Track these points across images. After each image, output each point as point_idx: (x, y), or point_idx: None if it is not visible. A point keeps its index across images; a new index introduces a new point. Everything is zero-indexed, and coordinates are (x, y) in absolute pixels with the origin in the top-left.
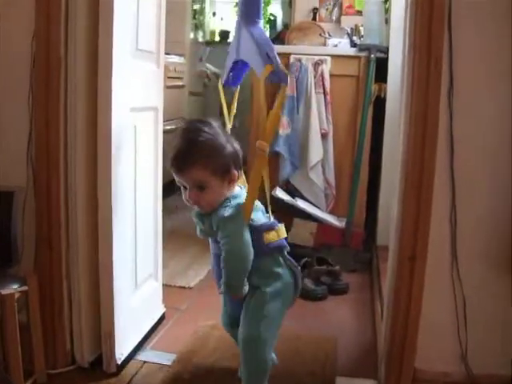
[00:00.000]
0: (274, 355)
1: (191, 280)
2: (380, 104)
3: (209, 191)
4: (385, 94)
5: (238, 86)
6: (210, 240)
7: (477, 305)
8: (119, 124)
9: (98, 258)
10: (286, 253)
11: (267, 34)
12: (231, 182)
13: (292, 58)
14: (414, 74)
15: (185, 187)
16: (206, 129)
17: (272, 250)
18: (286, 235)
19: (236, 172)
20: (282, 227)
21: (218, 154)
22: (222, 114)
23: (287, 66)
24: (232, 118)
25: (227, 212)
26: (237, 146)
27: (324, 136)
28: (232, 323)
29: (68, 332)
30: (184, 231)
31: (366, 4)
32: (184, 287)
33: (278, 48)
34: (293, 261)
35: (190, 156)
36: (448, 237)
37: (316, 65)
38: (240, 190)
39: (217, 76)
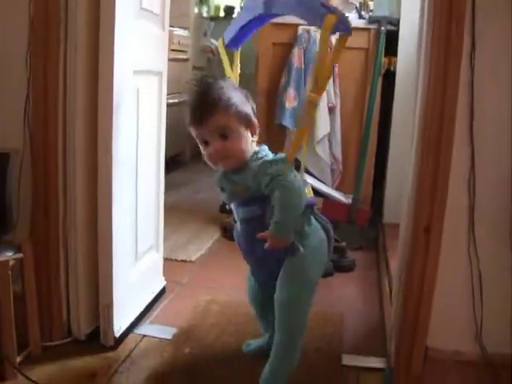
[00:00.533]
0: None
1: (192, 254)
2: (389, 78)
3: (234, 138)
4: (395, 68)
5: (239, 48)
6: (236, 207)
7: (493, 281)
8: (121, 87)
9: (97, 225)
10: (315, 210)
11: None
12: (254, 131)
13: (300, 29)
14: (434, 34)
15: (206, 143)
16: (222, 80)
17: (306, 207)
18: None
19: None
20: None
21: (238, 100)
22: None
23: (295, 37)
24: (237, 79)
25: (273, 156)
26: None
27: (331, 110)
28: (262, 296)
29: (64, 303)
30: (185, 206)
31: None
32: (185, 261)
33: (285, 19)
34: (323, 217)
35: (211, 102)
36: (465, 208)
37: None
38: (264, 148)
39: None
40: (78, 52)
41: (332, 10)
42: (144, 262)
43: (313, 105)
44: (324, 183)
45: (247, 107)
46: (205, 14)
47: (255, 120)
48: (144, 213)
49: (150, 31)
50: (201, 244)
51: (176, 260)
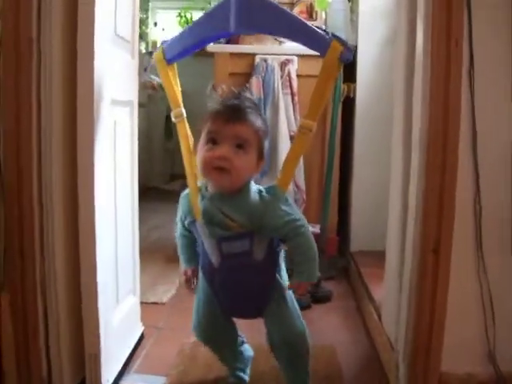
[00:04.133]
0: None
1: (162, 295)
2: (348, 104)
3: (244, 155)
4: (354, 94)
5: (175, 64)
6: (213, 241)
7: (504, 299)
8: (100, 119)
9: (80, 269)
10: None
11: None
12: (260, 163)
13: (258, 59)
14: (433, 54)
15: (214, 143)
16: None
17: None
18: None
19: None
20: None
21: (263, 123)
22: (168, 125)
23: (252, 67)
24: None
25: (270, 192)
26: None
27: (293, 138)
28: (219, 330)
29: (44, 355)
30: (143, 246)
31: (330, 3)
32: (156, 303)
33: (242, 48)
34: None
35: (246, 109)
36: (472, 227)
37: (283, 65)
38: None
39: (162, 87)
40: (54, 82)
41: (337, 38)
42: (124, 307)
43: (309, 131)
44: None
45: (266, 140)
46: (143, 50)
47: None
48: (123, 254)
49: (123, 59)
50: (168, 284)
51: (146, 303)
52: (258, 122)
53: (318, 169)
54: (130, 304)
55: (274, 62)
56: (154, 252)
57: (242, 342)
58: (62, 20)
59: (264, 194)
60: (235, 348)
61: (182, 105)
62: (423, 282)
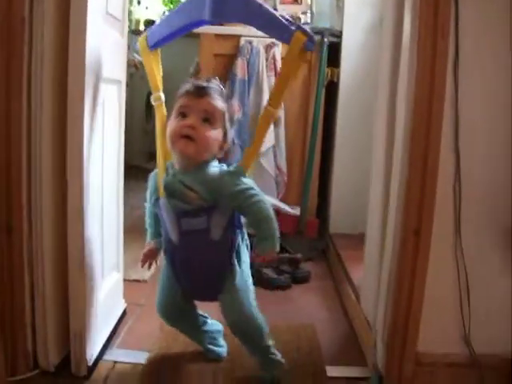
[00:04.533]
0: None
1: (144, 273)
2: (331, 89)
3: (210, 128)
4: (338, 79)
5: (158, 50)
6: (173, 217)
7: (480, 282)
8: (90, 96)
9: (68, 245)
10: None
11: None
12: (223, 146)
13: (243, 40)
14: (419, 46)
15: (183, 116)
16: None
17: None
18: None
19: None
20: None
21: (230, 109)
22: (148, 104)
23: (237, 48)
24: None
25: (231, 168)
26: None
27: (276, 122)
28: (180, 310)
29: (30, 330)
30: (125, 225)
31: None
32: (138, 280)
33: (228, 29)
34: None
35: (213, 89)
36: (451, 210)
37: (268, 47)
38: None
39: (143, 66)
40: (45, 59)
41: (301, 29)
42: (108, 284)
43: (272, 117)
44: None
45: (232, 130)
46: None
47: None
48: (108, 229)
49: (114, 37)
50: None
51: (128, 280)
52: (225, 106)
53: (299, 152)
54: (114, 280)
55: (259, 45)
56: (135, 230)
57: (204, 322)
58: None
59: (223, 168)
60: (198, 328)
61: (161, 89)
62: (403, 264)
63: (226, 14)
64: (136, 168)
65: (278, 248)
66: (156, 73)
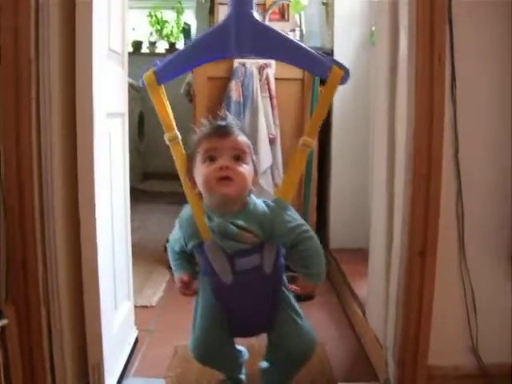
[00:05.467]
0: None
1: (151, 298)
2: None
3: (244, 166)
4: None
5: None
6: (225, 258)
7: (486, 296)
8: (98, 132)
9: (82, 280)
10: None
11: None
12: (254, 180)
13: (236, 63)
14: (417, 70)
15: (211, 160)
16: None
17: None
18: None
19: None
20: None
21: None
22: (141, 125)
23: (231, 71)
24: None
25: (275, 203)
26: None
27: (272, 141)
28: (221, 355)
29: (48, 364)
30: None
31: (306, 7)
32: (146, 306)
33: None
34: None
35: (234, 124)
36: (455, 230)
37: (261, 68)
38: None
39: (134, 88)
40: (53, 98)
41: (337, 63)
42: (121, 313)
43: (309, 148)
44: None
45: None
46: None
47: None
48: (119, 260)
49: (116, 72)
50: (155, 287)
51: (136, 306)
52: (247, 138)
53: None
54: (126, 309)
55: (253, 66)
56: (137, 254)
57: (241, 353)
58: (59, 39)
59: (269, 203)
60: (236, 361)
61: (175, 127)
62: (411, 283)
63: (256, 49)
64: (131, 189)
65: (323, 280)
66: (168, 110)
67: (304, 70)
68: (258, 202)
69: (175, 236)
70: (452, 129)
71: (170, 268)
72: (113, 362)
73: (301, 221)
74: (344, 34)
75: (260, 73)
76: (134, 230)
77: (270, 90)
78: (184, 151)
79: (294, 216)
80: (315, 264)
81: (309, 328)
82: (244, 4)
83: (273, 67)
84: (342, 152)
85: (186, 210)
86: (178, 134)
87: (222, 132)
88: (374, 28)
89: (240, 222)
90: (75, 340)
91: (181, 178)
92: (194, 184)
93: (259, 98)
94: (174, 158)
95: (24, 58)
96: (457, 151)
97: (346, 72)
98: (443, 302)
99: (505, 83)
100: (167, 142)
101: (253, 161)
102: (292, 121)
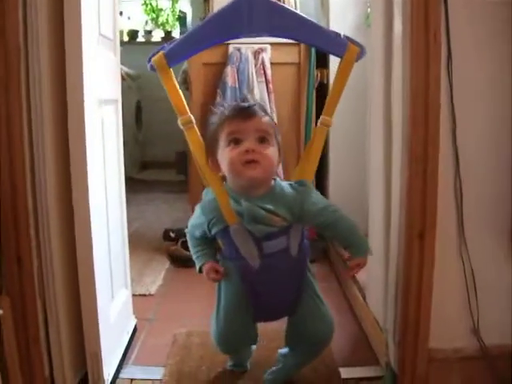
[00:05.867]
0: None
1: (150, 287)
2: (322, 90)
3: (271, 147)
4: (327, 80)
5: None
6: (253, 241)
7: (486, 277)
8: (90, 119)
9: (78, 269)
10: None
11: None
12: (280, 158)
13: (231, 48)
14: (412, 49)
15: (237, 142)
16: None
17: None
18: None
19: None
20: None
21: (273, 120)
22: (138, 114)
23: (226, 56)
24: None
25: (301, 185)
26: None
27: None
28: (245, 341)
29: (46, 356)
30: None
31: None
32: (145, 295)
33: None
34: None
35: (262, 108)
36: (454, 210)
37: (256, 53)
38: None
39: (131, 77)
40: (43, 85)
41: (352, 40)
42: (118, 302)
43: (327, 127)
44: None
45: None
46: None
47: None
48: (114, 249)
49: (107, 57)
50: (154, 275)
51: (134, 294)
52: (271, 118)
53: (295, 156)
54: (124, 297)
55: (248, 51)
56: (135, 243)
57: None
58: (48, 24)
59: (295, 185)
60: (250, 350)
61: (188, 111)
62: (410, 266)
63: (271, 28)
64: (128, 179)
65: (371, 254)
66: (180, 93)
67: (319, 48)
68: (285, 185)
69: (196, 222)
70: (449, 109)
71: (170, 256)
72: (111, 351)
73: (328, 202)
74: (339, 16)
75: (255, 57)
76: (133, 220)
77: (265, 74)
78: (199, 135)
79: (320, 197)
80: (359, 236)
81: (329, 313)
82: None
83: (268, 52)
84: (341, 135)
85: (209, 195)
86: (192, 117)
87: (246, 113)
88: (369, 10)
89: (268, 206)
90: (72, 330)
91: (197, 162)
92: (217, 167)
93: (255, 83)
94: (189, 142)
95: (13, 44)
96: (454, 130)
97: (362, 49)
98: (443, 283)
99: (502, 60)
100: (181, 127)
101: (277, 142)
102: (288, 105)
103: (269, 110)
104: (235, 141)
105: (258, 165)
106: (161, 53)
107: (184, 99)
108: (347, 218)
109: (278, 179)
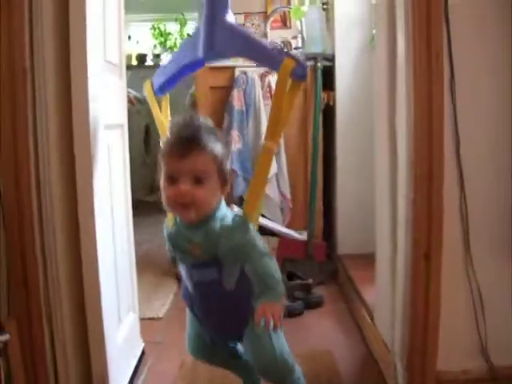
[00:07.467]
0: None
1: (158, 310)
2: (328, 112)
3: (206, 187)
4: (334, 102)
5: (167, 95)
6: (187, 267)
7: (494, 297)
8: (96, 144)
9: (84, 293)
10: None
11: None
12: (224, 187)
13: (237, 71)
14: (415, 70)
15: (173, 181)
16: (211, 126)
17: None
18: None
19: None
20: None
21: (223, 147)
22: (147, 137)
23: (233, 79)
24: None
25: (234, 221)
26: None
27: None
28: (209, 348)
29: (53, 379)
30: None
31: (307, 13)
32: (153, 318)
33: (222, 62)
34: None
35: (199, 140)
36: (459, 230)
37: (262, 76)
38: (222, 203)
39: (139, 101)
40: (49, 109)
41: (290, 55)
42: (125, 326)
43: (271, 152)
44: (275, 222)
45: (227, 162)
46: None
47: (228, 177)
48: (122, 272)
49: (113, 83)
50: (163, 299)
51: (143, 318)
52: (214, 148)
53: (302, 177)
54: (131, 321)
55: (254, 74)
56: (144, 266)
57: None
58: (54, 49)
59: (226, 220)
60: (235, 360)
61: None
62: (416, 286)
63: (216, 49)
64: (137, 202)
65: (279, 299)
66: (163, 118)
67: (258, 64)
68: (226, 217)
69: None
70: (453, 128)
71: (177, 280)
72: (118, 374)
73: (251, 240)
74: (345, 38)
75: (261, 80)
76: (143, 242)
77: (272, 97)
78: None
79: (243, 235)
80: (273, 281)
81: (270, 345)
82: (211, 7)
83: (274, 74)
84: (348, 156)
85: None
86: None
87: (183, 151)
88: (374, 32)
89: (192, 236)
90: (79, 353)
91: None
92: None
93: (262, 106)
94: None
95: (19, 67)
96: (458, 150)
97: (299, 64)
98: (450, 304)
99: (504, 79)
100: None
101: (220, 173)
102: (295, 127)
103: None
104: (172, 179)
105: (192, 206)
106: (148, 80)
107: (167, 124)
108: (267, 259)
109: (223, 209)
